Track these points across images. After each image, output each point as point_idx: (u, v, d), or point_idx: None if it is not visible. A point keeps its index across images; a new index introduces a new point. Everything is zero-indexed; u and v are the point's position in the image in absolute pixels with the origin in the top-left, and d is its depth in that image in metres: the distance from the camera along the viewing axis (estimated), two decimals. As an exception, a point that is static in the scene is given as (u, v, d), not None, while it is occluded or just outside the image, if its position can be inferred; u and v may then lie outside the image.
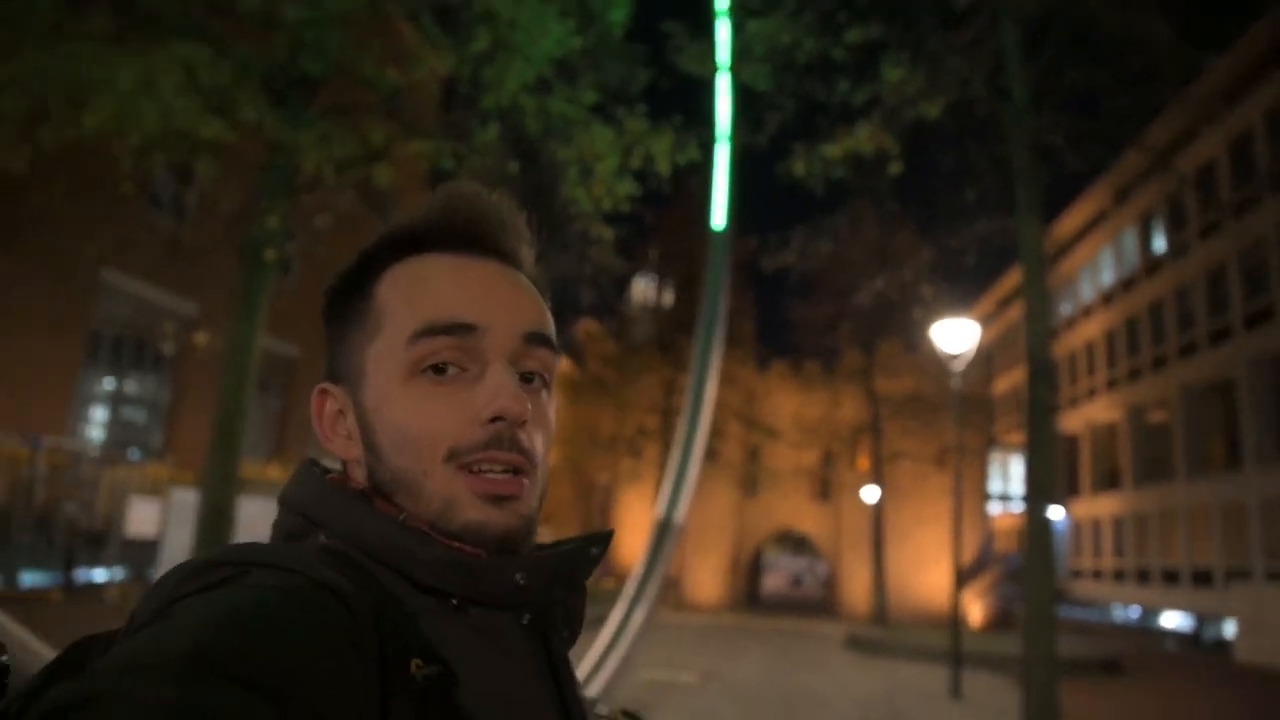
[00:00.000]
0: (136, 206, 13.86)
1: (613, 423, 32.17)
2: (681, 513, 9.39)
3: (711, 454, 31.14)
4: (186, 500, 11.44)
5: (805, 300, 30.95)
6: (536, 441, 0.65)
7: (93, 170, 10.86)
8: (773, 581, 61.01)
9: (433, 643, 0.54)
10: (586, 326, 36.45)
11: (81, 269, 13.22)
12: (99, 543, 12.53)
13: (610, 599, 8.53)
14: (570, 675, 0.66)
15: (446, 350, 0.62)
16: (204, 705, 0.39)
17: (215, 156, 10.17)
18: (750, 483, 33.56)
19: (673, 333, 29.55)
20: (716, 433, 30.87)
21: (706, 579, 32.53)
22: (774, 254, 15.08)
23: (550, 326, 0.69)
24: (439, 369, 0.62)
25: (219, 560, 0.51)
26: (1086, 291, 33.10)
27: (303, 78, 10.39)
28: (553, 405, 0.69)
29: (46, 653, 1.87)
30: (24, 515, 11.72)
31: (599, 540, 0.68)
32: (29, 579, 11.15)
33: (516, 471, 0.62)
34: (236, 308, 9.33)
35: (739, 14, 11.12)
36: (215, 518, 8.48)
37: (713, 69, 11.26)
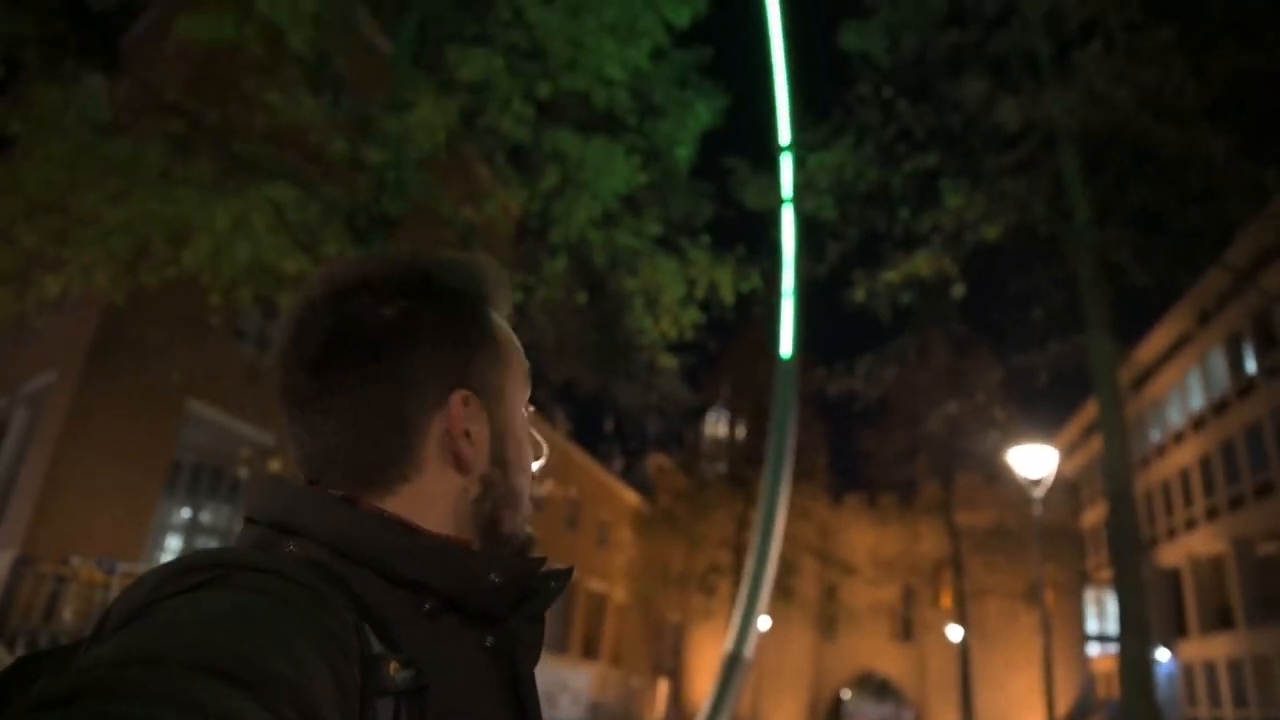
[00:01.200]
0: (222, 338, 14.57)
1: (684, 559, 31.45)
2: (750, 647, 9.04)
3: (786, 592, 30.04)
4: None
5: (877, 430, 30.32)
6: None
7: (183, 303, 11.49)
8: (855, 730, 57.30)
9: (407, 648, 0.55)
10: (657, 460, 36.28)
11: (169, 398, 13.82)
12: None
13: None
14: (533, 698, 0.66)
15: None
16: (194, 698, 0.39)
17: (298, 290, 10.65)
18: (827, 622, 32.12)
19: (744, 466, 29.19)
20: (790, 569, 29.87)
21: (783, 726, 30.75)
22: (839, 381, 14.93)
23: None
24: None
25: (197, 564, 0.51)
26: (1176, 416, 31.65)
27: (383, 216, 10.98)
28: None
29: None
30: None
31: (559, 575, 0.71)
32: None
33: None
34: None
35: (800, 149, 11.42)
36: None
37: (775, 201, 11.50)
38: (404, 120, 9.97)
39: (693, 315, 10.79)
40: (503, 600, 0.64)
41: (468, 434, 0.67)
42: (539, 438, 0.76)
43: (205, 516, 16.03)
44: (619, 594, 33.43)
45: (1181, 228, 10.92)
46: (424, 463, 0.66)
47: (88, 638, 0.52)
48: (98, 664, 0.41)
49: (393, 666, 0.52)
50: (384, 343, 0.65)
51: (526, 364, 0.75)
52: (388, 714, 0.51)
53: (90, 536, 13.26)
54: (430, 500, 0.66)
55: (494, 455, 0.69)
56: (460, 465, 0.67)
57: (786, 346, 10.67)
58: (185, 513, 15.63)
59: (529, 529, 0.73)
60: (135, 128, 9.71)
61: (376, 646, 0.52)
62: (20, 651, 11.83)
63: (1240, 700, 26.82)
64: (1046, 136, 10.70)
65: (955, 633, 28.31)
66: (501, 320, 0.74)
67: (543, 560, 0.70)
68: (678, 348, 11.45)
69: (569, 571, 0.72)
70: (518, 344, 0.74)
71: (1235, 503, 27.12)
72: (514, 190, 11.35)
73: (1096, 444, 34.27)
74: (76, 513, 13.17)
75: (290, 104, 10.11)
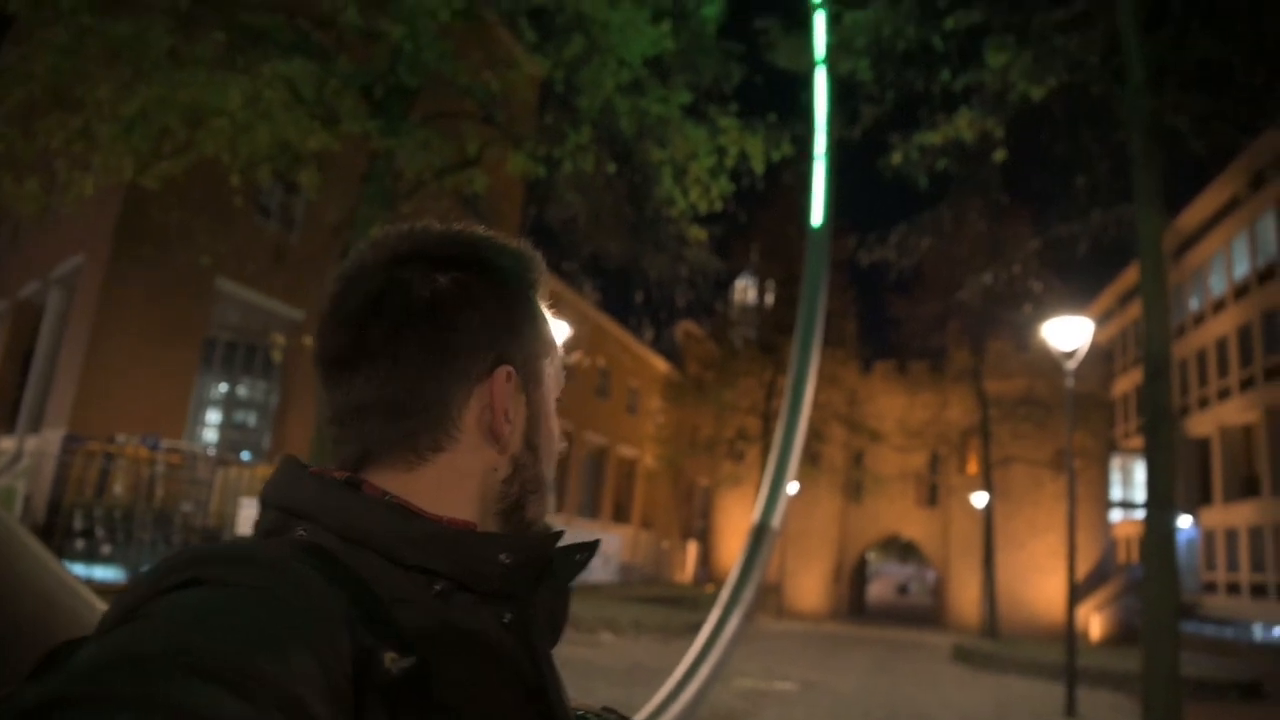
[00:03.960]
0: (247, 217, 14.47)
1: (713, 426, 31.91)
2: (778, 518, 9.16)
3: (813, 458, 30.56)
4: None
5: (910, 298, 29.88)
6: None
7: (205, 184, 11.37)
8: (878, 589, 59.59)
9: (409, 635, 0.53)
10: (686, 328, 36.32)
11: (198, 278, 13.87)
12: (213, 540, 13.12)
13: (709, 605, 8.39)
14: (554, 676, 0.64)
15: None
16: (176, 701, 0.38)
17: (319, 167, 10.50)
18: (854, 488, 32.75)
19: (773, 334, 29.07)
20: (818, 436, 30.28)
21: (809, 586, 31.90)
22: (872, 249, 14.56)
23: None
24: None
25: (181, 562, 0.50)
26: (1218, 285, 30.88)
27: (400, 87, 10.63)
28: None
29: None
30: (144, 513, 12.37)
31: (584, 548, 0.69)
32: (148, 572, 11.77)
33: None
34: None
35: (834, 6, 10.76)
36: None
37: (807, 64, 10.94)
38: (420, -12, 9.49)
39: (723, 185, 10.55)
40: (516, 580, 0.62)
41: (506, 412, 0.66)
42: (560, 434, 0.75)
43: (242, 391, 16.41)
44: (649, 460, 34.23)
45: (1247, 86, 10.25)
46: (461, 435, 0.65)
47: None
48: (78, 670, 0.41)
49: (389, 658, 0.50)
50: (434, 308, 0.64)
51: (562, 358, 0.74)
52: (384, 707, 0.49)
53: (133, 414, 13.61)
54: (461, 474, 0.65)
55: (528, 438, 0.69)
56: (497, 441, 0.66)
57: (818, 214, 10.37)
58: (223, 388, 16.01)
59: (550, 522, 0.72)
60: (134, 4, 9.36)
61: (373, 636, 0.50)
62: (79, 525, 12.44)
63: (1258, 565, 27.35)
64: (1106, -13, 9.93)
65: (980, 498, 28.82)
66: (545, 308, 0.74)
67: (558, 535, 0.68)
68: (707, 219, 11.27)
69: (594, 544, 0.71)
70: (556, 335, 0.75)
71: (1272, 373, 26.78)
72: (537, 57, 10.96)
73: (1132, 312, 33.77)
74: (118, 391, 13.52)
75: (296, -35, 9.67)
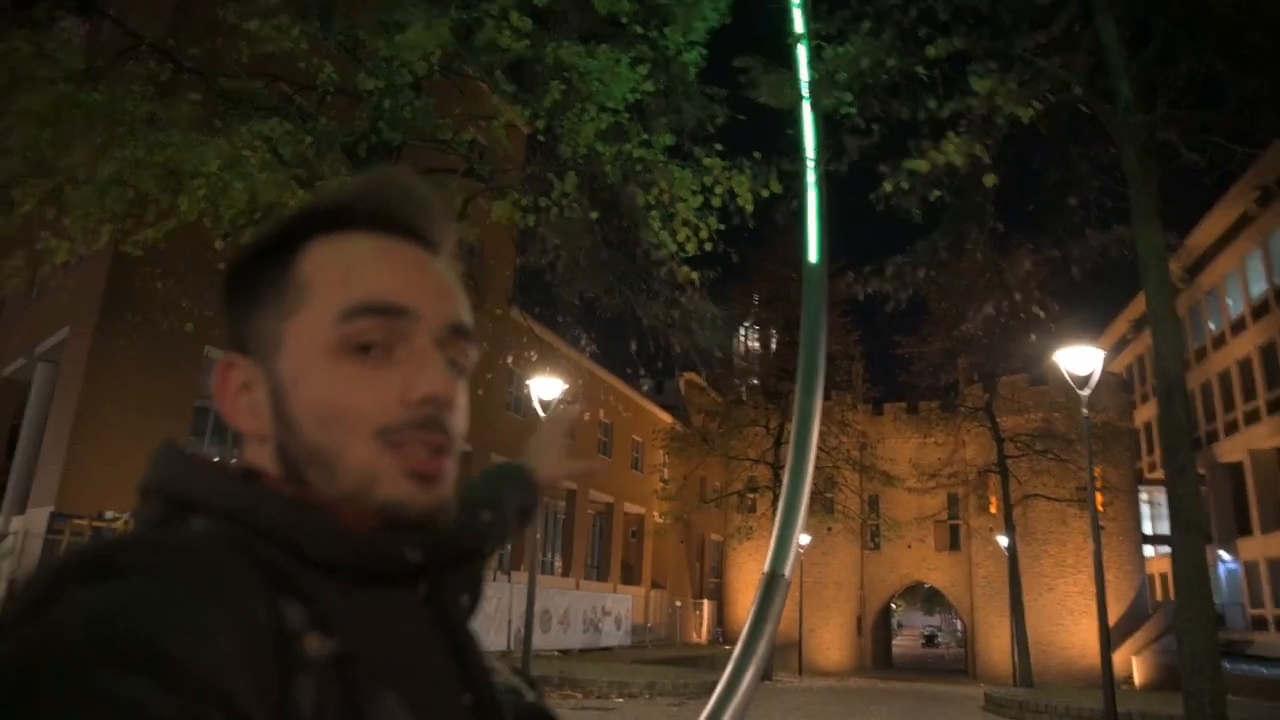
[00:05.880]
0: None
1: (721, 477, 31.35)
2: (790, 566, 8.76)
3: (827, 505, 29.93)
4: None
5: (916, 336, 29.52)
6: (459, 426, 0.66)
7: (188, 251, 11.29)
8: (905, 642, 58.06)
9: (329, 618, 0.52)
10: (688, 378, 35.96)
11: (185, 346, 13.67)
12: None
13: (726, 664, 7.92)
14: (473, 644, 0.65)
15: (376, 330, 0.62)
16: (100, 692, 0.38)
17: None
18: (870, 534, 31.99)
19: (777, 380, 28.68)
20: (830, 482, 29.68)
21: (830, 640, 30.96)
22: (868, 281, 14.24)
23: (471, 320, 0.69)
24: (364, 348, 0.62)
25: (95, 552, 0.48)
26: (1235, 304, 30.35)
27: (384, 145, 10.60)
28: (465, 398, 0.69)
29: None
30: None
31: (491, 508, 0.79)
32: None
33: (440, 452, 0.63)
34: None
35: (815, 39, 10.69)
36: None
37: (790, 100, 10.85)
38: (394, 43, 9.49)
39: (711, 224, 10.41)
40: (427, 565, 0.62)
41: (245, 402, 0.64)
42: (427, 374, 0.63)
43: (235, 462, 16.17)
44: (656, 516, 33.59)
45: (1239, 97, 10.02)
46: (238, 436, 0.65)
47: None
48: None
49: (311, 640, 0.50)
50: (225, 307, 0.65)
51: (349, 295, 0.62)
52: (310, 690, 0.49)
53: (123, 488, 13.30)
54: (262, 469, 0.62)
55: (278, 415, 0.62)
56: (247, 434, 0.64)
57: (812, 251, 10.17)
58: (215, 459, 15.78)
59: (390, 487, 0.61)
60: (114, 73, 9.43)
61: (294, 621, 0.50)
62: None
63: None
64: (1084, 6, 9.79)
65: (1003, 539, 28.03)
66: (319, 255, 0.64)
67: (455, 514, 0.65)
68: (699, 261, 11.11)
69: (500, 500, 0.82)
70: (338, 275, 0.63)
71: (1298, 393, 26.10)
72: (517, 107, 10.94)
73: (1148, 337, 33.18)
74: (105, 466, 13.27)
75: (274, 31, 9.71)
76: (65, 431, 13.43)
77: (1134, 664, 27.11)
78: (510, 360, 18.76)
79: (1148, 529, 33.23)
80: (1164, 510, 32.61)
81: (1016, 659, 26.15)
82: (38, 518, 13.22)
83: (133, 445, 13.51)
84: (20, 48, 8.49)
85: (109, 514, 13.00)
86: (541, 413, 13.66)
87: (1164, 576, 33.06)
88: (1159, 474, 32.44)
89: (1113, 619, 22.24)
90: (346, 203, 0.65)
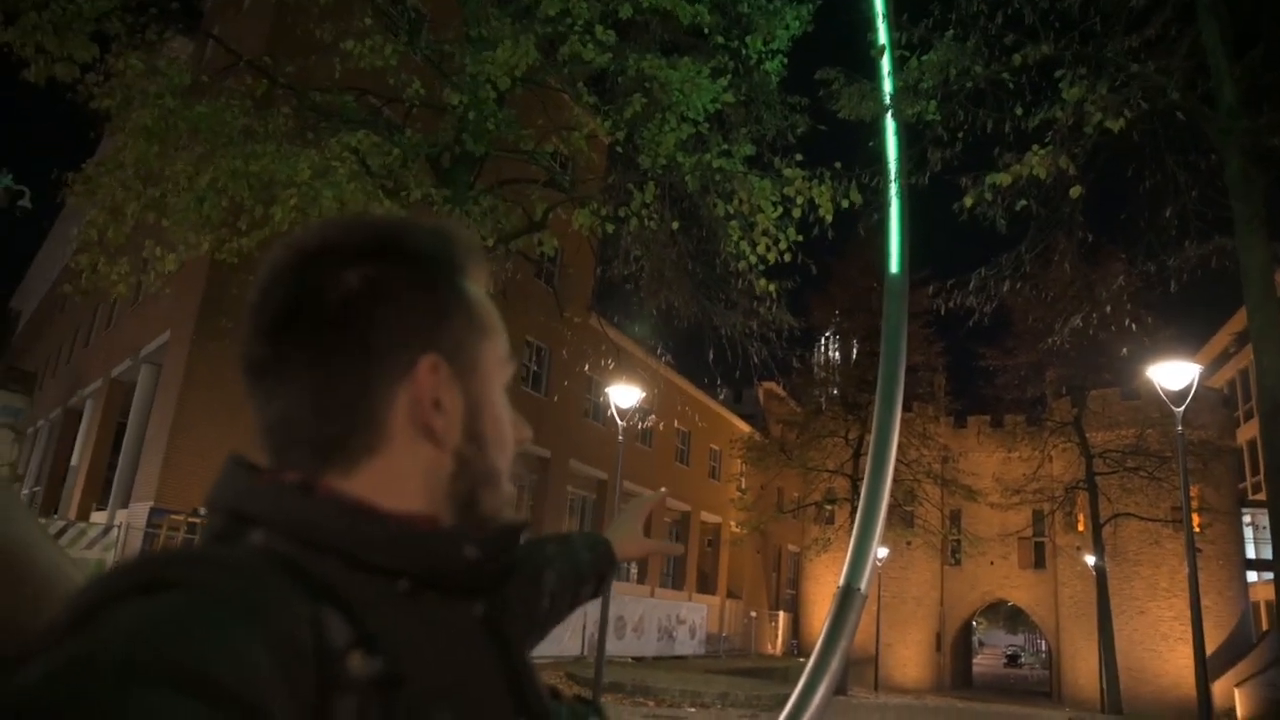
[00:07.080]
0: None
1: (799, 488, 30.99)
2: (865, 580, 8.65)
3: (906, 519, 29.31)
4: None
5: (1001, 349, 28.70)
6: None
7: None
8: (986, 661, 56.37)
9: (377, 636, 0.52)
10: (768, 387, 35.70)
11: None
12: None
13: (798, 677, 7.88)
14: (529, 670, 0.66)
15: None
16: (136, 710, 0.38)
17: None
18: (951, 550, 31.20)
19: (856, 390, 28.23)
20: (910, 495, 29.05)
21: (908, 657, 30.29)
22: (950, 295, 13.92)
23: None
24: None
25: (142, 567, 0.48)
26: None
27: (466, 155, 10.87)
28: None
29: None
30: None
31: (559, 539, 0.87)
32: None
33: None
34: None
35: (899, 49, 10.55)
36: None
37: (874, 109, 10.74)
38: (480, 58, 9.74)
39: (791, 235, 10.38)
40: (484, 573, 0.63)
41: (438, 403, 0.63)
42: (521, 420, 0.72)
43: (292, 474, 16.78)
44: (733, 526, 33.42)
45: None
46: (392, 434, 0.62)
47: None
48: (32, 679, 0.40)
49: (355, 659, 0.50)
50: (346, 309, 0.61)
51: (507, 342, 0.71)
52: (351, 710, 0.49)
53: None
54: (400, 475, 0.62)
55: (468, 429, 0.65)
56: (431, 436, 0.63)
57: (894, 262, 10.02)
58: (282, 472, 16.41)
59: (512, 513, 0.69)
60: (215, 89, 9.92)
61: (338, 639, 0.50)
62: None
63: None
64: (1182, 7, 9.43)
65: (1090, 558, 26.99)
66: (478, 289, 0.69)
67: (522, 525, 0.69)
68: (778, 271, 11.04)
69: (569, 536, 0.83)
70: (497, 318, 0.70)
71: None
72: (598, 119, 11.08)
73: (1251, 353, 31.50)
74: (202, 463, 13.90)
75: (366, 49, 10.08)
76: (165, 430, 14.11)
77: (1236, 696, 25.73)
78: (588, 368, 18.94)
79: (1250, 553, 31.55)
80: (1268, 534, 31.00)
81: (1104, 684, 25.11)
82: (139, 512, 13.92)
83: (225, 445, 14.12)
84: (135, 65, 9.08)
85: (203, 510, 13.63)
86: (620, 421, 13.77)
87: (1270, 604, 31.36)
88: (1263, 495, 30.84)
89: (1211, 647, 21.18)
90: (465, 248, 0.69)
